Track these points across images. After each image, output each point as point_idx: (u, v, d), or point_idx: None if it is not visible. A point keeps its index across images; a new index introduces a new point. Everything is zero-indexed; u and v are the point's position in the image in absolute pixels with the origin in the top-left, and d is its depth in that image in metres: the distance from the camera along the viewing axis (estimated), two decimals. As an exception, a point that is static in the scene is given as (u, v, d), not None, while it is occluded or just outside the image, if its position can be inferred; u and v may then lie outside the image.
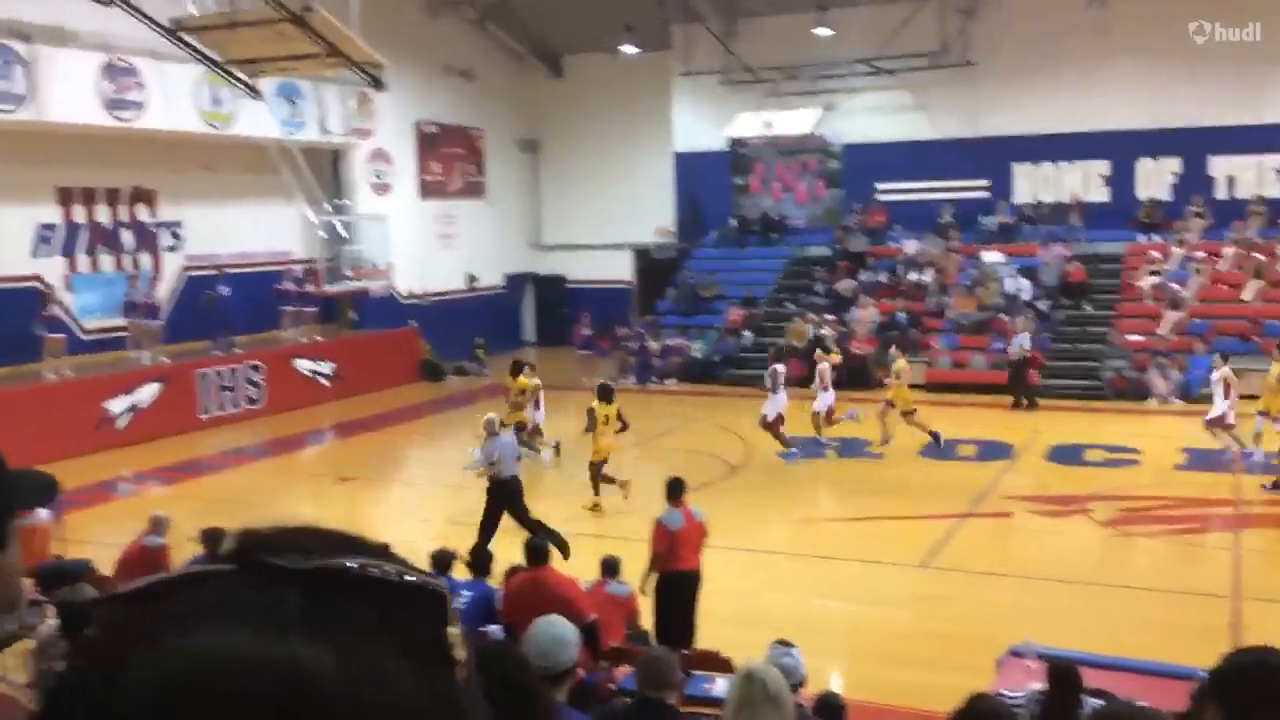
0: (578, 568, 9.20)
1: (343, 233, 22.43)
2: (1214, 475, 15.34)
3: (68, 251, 19.92)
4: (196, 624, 0.63)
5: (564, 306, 30.19)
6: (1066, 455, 16.82)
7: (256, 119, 20.49)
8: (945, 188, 25.90)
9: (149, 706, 0.61)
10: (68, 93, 18.19)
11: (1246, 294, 21.96)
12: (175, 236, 21.81)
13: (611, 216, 29.30)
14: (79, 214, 20.11)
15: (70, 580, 7.80)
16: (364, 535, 0.72)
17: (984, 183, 25.84)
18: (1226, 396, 15.61)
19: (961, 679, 7.15)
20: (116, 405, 18.65)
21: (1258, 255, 22.39)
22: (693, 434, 19.04)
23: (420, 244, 26.31)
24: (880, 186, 26.63)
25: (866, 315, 23.39)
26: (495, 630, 7.74)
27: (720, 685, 7.41)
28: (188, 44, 18.27)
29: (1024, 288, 23.40)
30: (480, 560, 8.67)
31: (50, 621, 7.20)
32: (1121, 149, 24.45)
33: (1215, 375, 16.09)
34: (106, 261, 20.61)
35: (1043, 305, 23.08)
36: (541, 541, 8.17)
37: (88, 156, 19.95)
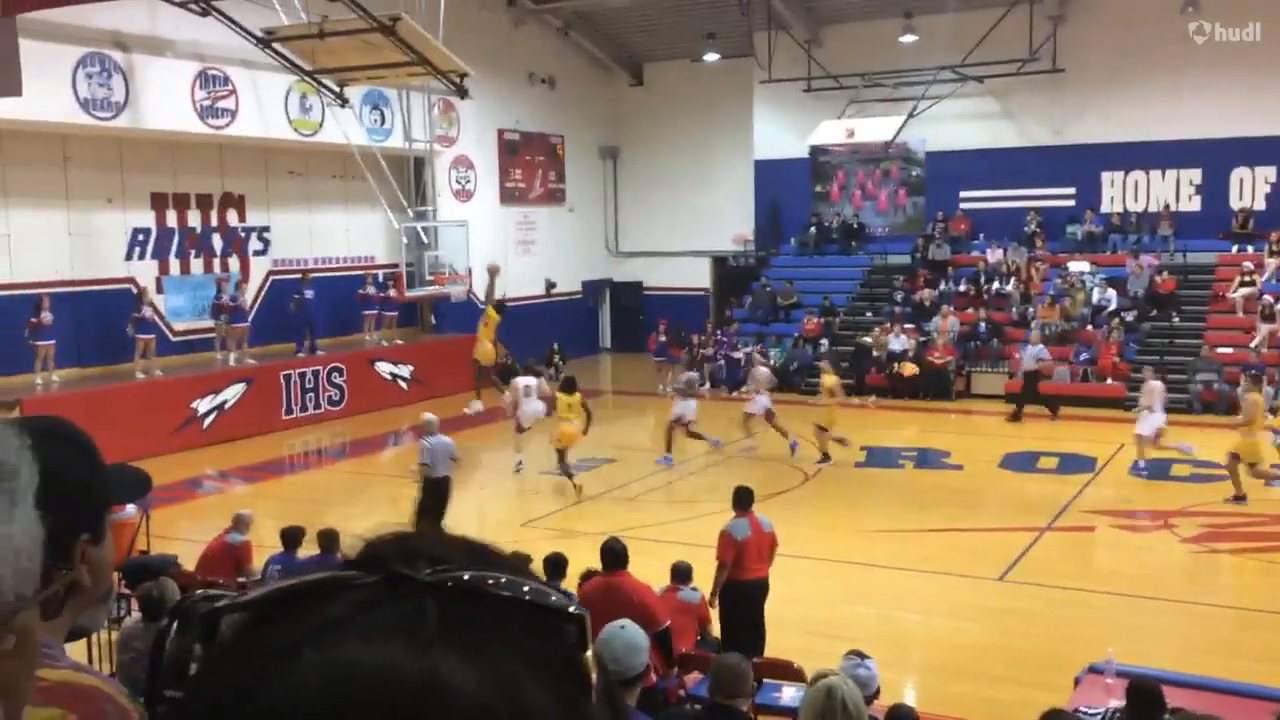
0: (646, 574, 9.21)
1: (424, 238, 22.75)
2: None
3: (159, 255, 20.49)
4: (334, 636, 0.62)
5: (640, 313, 30.26)
6: (1152, 469, 16.41)
7: (343, 126, 20.90)
8: (1030, 196, 25.49)
9: (298, 714, 0.60)
10: (163, 101, 18.73)
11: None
12: (263, 241, 22.32)
13: (689, 224, 29.33)
14: (171, 219, 20.68)
15: (155, 575, 8.02)
16: (493, 544, 0.71)
17: (1070, 191, 25.38)
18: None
19: (1038, 695, 7.04)
20: (203, 405, 19.13)
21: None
22: (766, 442, 18.95)
23: (500, 250, 26.57)
24: (964, 194, 26.29)
25: (946, 325, 23.09)
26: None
27: (789, 694, 7.38)
28: (279, 53, 18.75)
29: (1111, 298, 22.94)
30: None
31: (134, 614, 7.42)
32: (1215, 157, 23.83)
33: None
34: (196, 265, 21.16)
35: (1129, 316, 22.59)
36: (620, 545, 8.06)
37: (181, 163, 20.52)
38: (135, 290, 19.47)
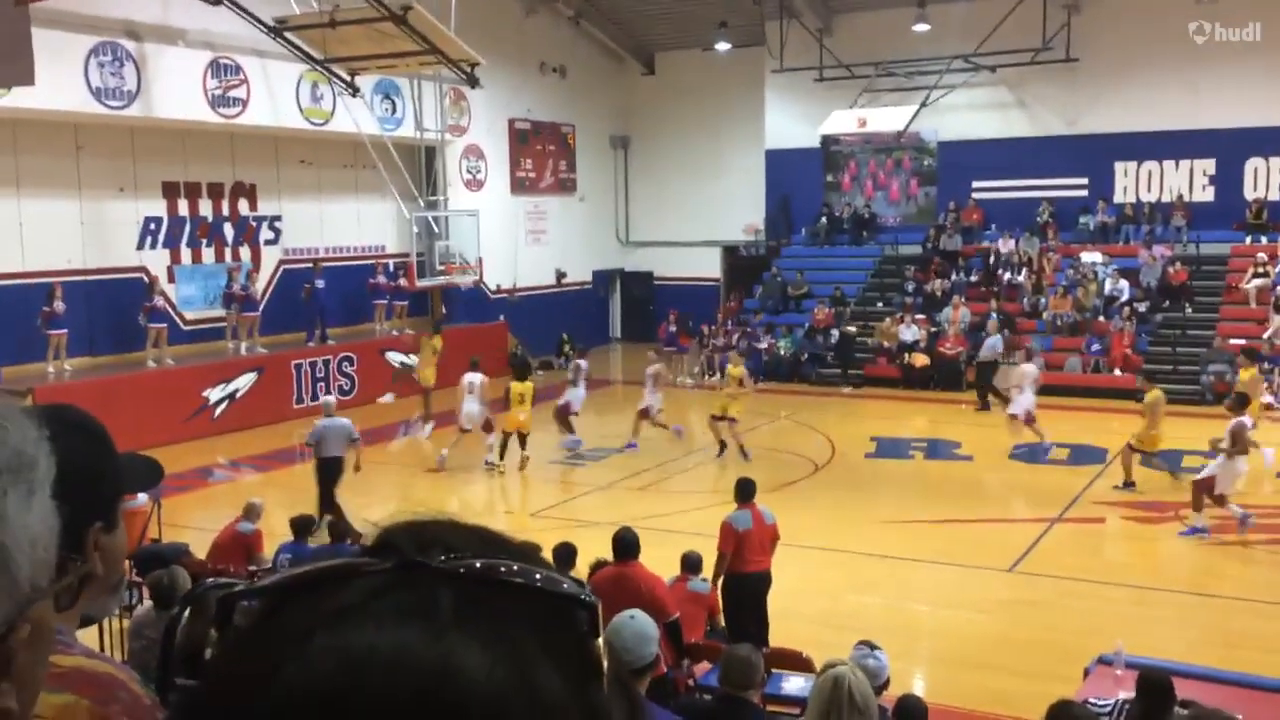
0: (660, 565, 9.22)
1: (435, 228, 22.77)
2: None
3: (171, 244, 20.54)
4: (349, 621, 0.62)
5: (651, 303, 30.25)
6: (1162, 460, 16.34)
7: (355, 116, 20.92)
8: (1043, 186, 25.40)
9: (304, 705, 0.60)
10: (175, 90, 18.76)
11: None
12: (274, 230, 22.36)
13: (700, 214, 29.30)
14: (183, 208, 20.72)
15: (166, 563, 8.06)
16: (506, 534, 0.71)
17: (1083, 181, 25.27)
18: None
19: (1048, 686, 7.03)
20: (214, 394, 19.19)
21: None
22: (777, 433, 18.95)
23: (510, 239, 26.59)
24: (976, 185, 26.20)
25: (958, 315, 23.03)
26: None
27: (796, 684, 7.40)
28: (290, 42, 18.76)
29: (1123, 289, 22.86)
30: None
31: (146, 602, 7.45)
32: (1228, 147, 23.70)
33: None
34: (207, 254, 21.21)
35: (1142, 307, 22.50)
36: (632, 535, 8.07)
37: (192, 152, 20.56)
38: (147, 279, 19.53)
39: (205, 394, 19.09)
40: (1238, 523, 12.62)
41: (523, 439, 16.39)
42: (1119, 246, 24.10)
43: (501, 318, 25.84)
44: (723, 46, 27.82)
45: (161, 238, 20.37)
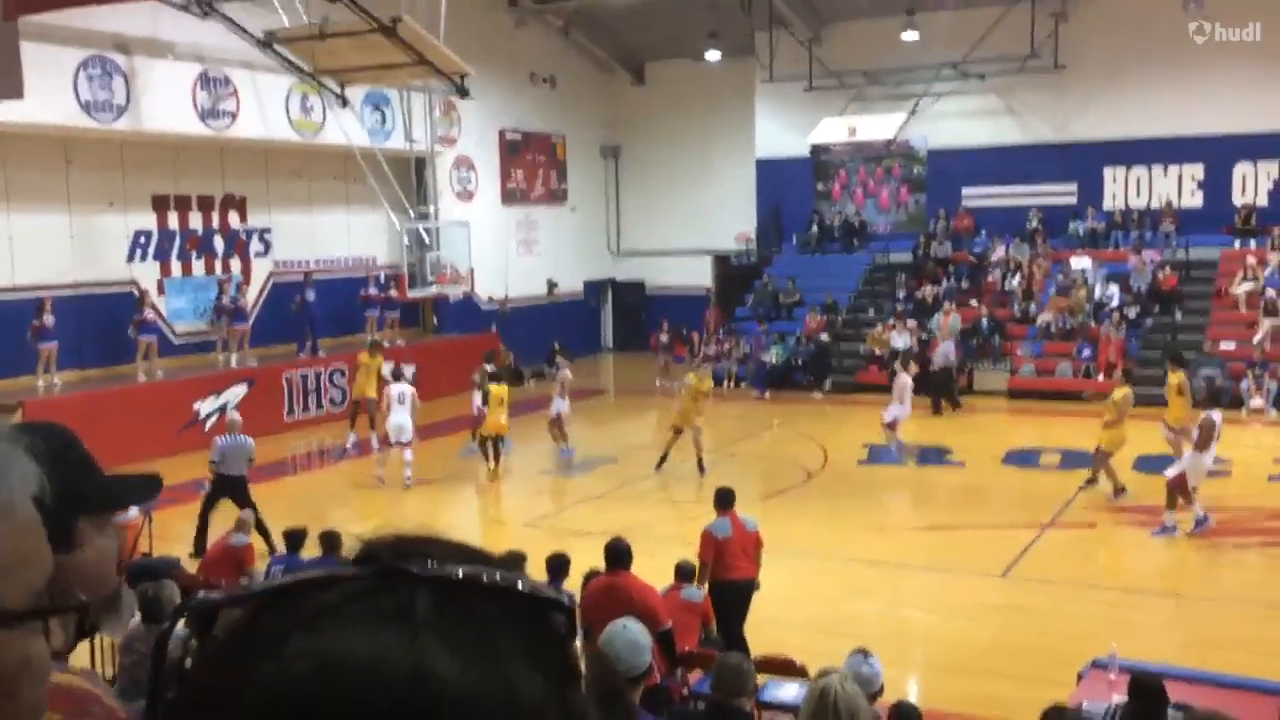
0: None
1: (426, 239, 22.75)
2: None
3: (161, 257, 20.50)
4: (325, 625, 0.63)
5: (642, 313, 30.27)
6: (1154, 465, 16.36)
7: (345, 127, 20.92)
8: (1033, 193, 25.48)
9: (279, 707, 0.61)
10: (164, 103, 18.74)
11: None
12: (264, 242, 22.33)
13: (691, 223, 29.34)
14: (173, 220, 20.69)
15: (157, 577, 8.02)
16: (487, 549, 0.72)
17: (1072, 188, 25.36)
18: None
19: (1042, 691, 7.03)
20: (205, 406, 19.13)
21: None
22: (769, 440, 18.95)
23: (501, 250, 26.59)
24: (966, 192, 26.28)
25: (948, 322, 23.06)
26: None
27: (786, 690, 7.39)
28: (280, 54, 18.76)
29: (1113, 294, 22.93)
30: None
31: (135, 616, 7.41)
32: (1217, 153, 23.81)
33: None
34: (198, 267, 21.18)
35: (1132, 313, 22.56)
36: (624, 545, 8.07)
37: (182, 164, 20.53)
38: (137, 293, 19.49)
39: (196, 406, 19.03)
40: (1195, 523, 12.67)
41: (497, 449, 16.40)
42: (1109, 252, 24.18)
43: (493, 328, 25.82)
44: (713, 56, 27.89)
45: (151, 251, 20.33)
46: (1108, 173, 25.13)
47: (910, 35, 24.95)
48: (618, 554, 7.86)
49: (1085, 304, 22.99)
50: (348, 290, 23.02)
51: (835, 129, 26.18)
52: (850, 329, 24.67)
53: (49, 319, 17.75)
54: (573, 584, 8.57)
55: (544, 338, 26.23)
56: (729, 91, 28.27)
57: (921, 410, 20.48)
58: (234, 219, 21.76)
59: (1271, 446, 17.43)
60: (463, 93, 20.33)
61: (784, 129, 27.44)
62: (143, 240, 20.18)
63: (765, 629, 9.08)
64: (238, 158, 21.32)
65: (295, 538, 10.24)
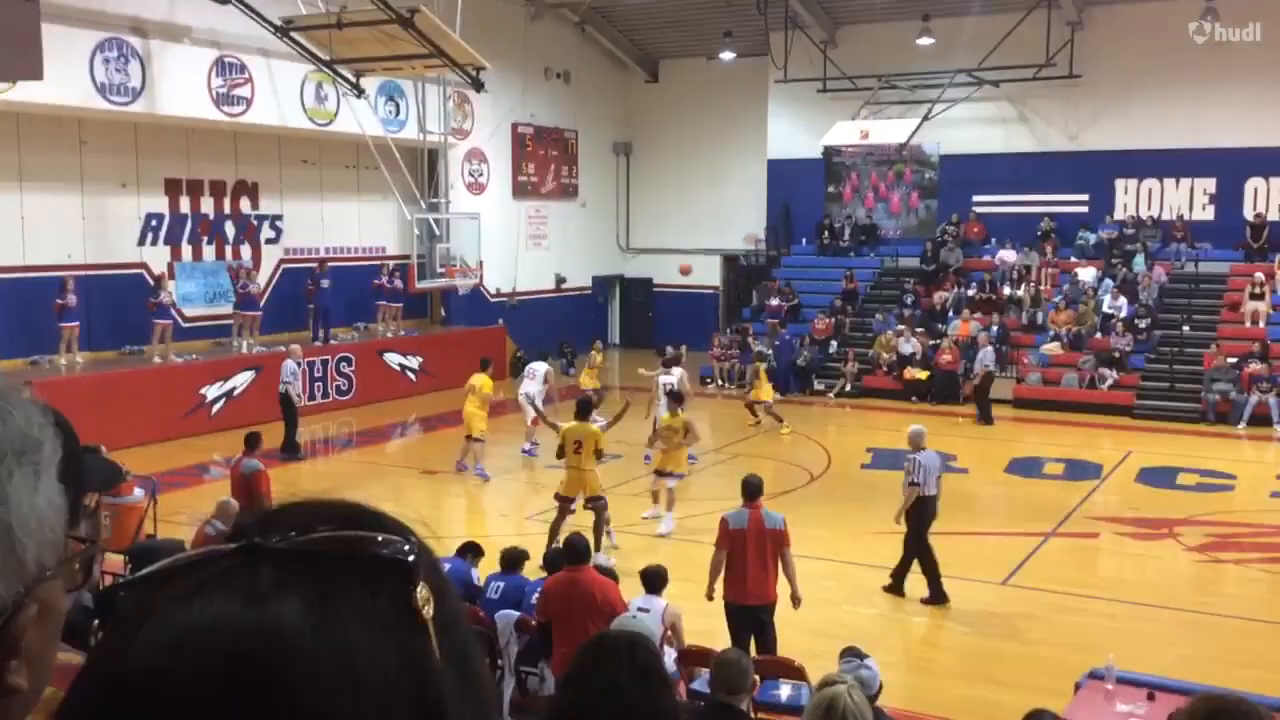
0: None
1: (436, 230, 22.79)
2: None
3: (172, 241, 20.56)
4: (185, 599, 0.70)
5: (650, 310, 30.28)
6: (1158, 478, 16.41)
7: (358, 117, 20.95)
8: (1044, 201, 25.45)
9: (137, 680, 0.68)
10: (180, 87, 18.79)
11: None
12: (275, 229, 22.38)
13: (701, 222, 29.35)
14: (184, 205, 20.75)
15: (160, 559, 8.07)
16: (365, 505, 0.79)
17: (1084, 197, 25.33)
18: None
19: (1039, 699, 7.04)
20: (212, 391, 19.19)
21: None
22: (773, 442, 18.96)
23: (511, 243, 26.61)
24: (977, 199, 26.26)
25: (968, 329, 23.05)
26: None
27: (786, 692, 7.41)
28: (296, 42, 18.79)
29: (1121, 306, 22.91)
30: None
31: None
32: (1230, 167, 23.76)
33: None
34: (208, 252, 21.23)
35: (1141, 324, 22.54)
36: (584, 541, 8.11)
37: (195, 149, 20.59)
38: (151, 276, 19.55)
39: (202, 391, 19.09)
40: None
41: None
42: (1118, 263, 24.12)
43: (500, 321, 25.86)
44: (727, 56, 27.88)
45: (163, 234, 20.39)
46: (1119, 183, 25.09)
47: (925, 41, 24.93)
48: (576, 550, 7.94)
49: (1094, 315, 22.97)
50: (356, 279, 23.07)
51: (848, 132, 26.15)
52: (858, 333, 24.66)
53: (71, 298, 17.83)
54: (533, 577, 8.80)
55: (551, 332, 26.24)
56: (742, 91, 28.26)
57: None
58: (245, 205, 21.82)
59: (1274, 462, 17.43)
60: (478, 86, 20.35)
61: (796, 130, 27.43)
62: (154, 223, 20.24)
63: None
64: (251, 144, 21.37)
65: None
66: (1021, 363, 22.62)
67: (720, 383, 24.10)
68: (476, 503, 16.10)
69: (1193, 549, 12.98)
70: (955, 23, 24.43)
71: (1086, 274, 23.92)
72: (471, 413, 16.30)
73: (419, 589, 0.73)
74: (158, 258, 20.20)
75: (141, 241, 20.02)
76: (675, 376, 16.71)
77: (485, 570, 9.22)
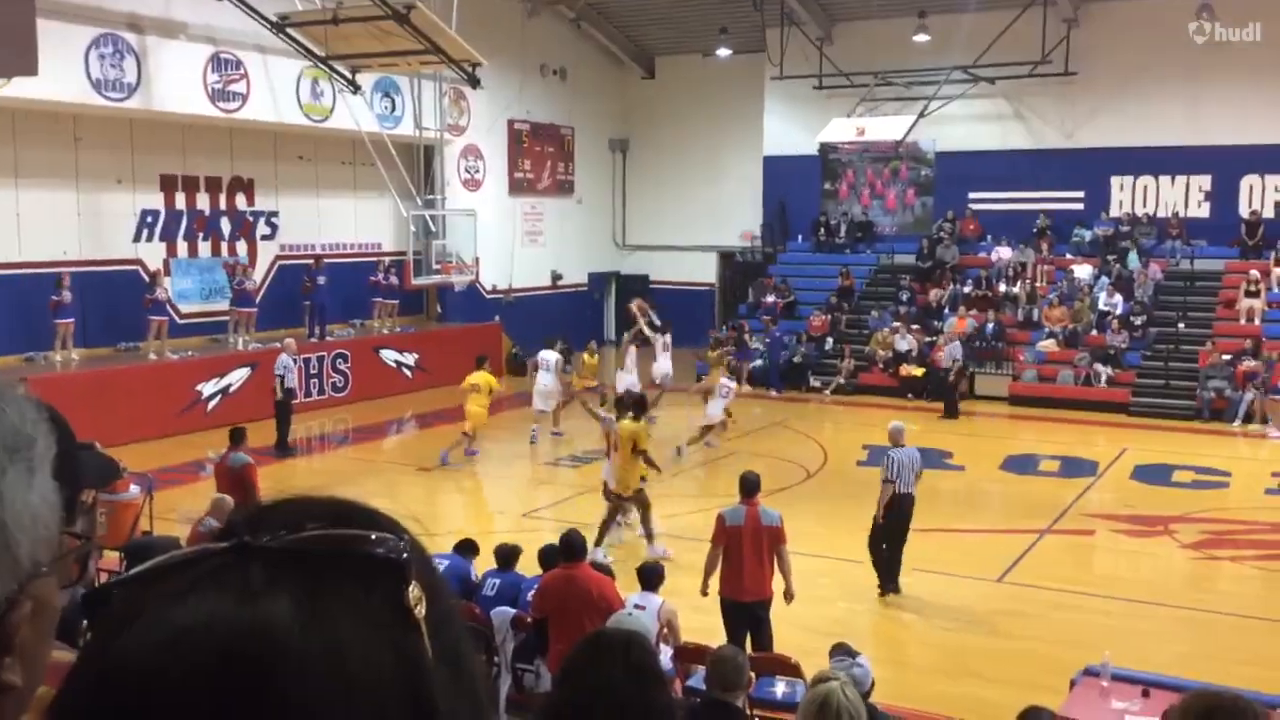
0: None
1: (432, 227, 22.77)
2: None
3: (167, 237, 20.52)
4: (177, 598, 0.70)
5: (647, 307, 30.26)
6: (1153, 475, 16.43)
7: (354, 113, 20.93)
8: (1040, 199, 25.47)
9: (128, 678, 0.68)
10: (175, 83, 18.76)
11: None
12: (270, 225, 22.35)
13: (697, 218, 29.35)
14: (180, 201, 20.72)
15: (155, 556, 8.07)
16: (356, 502, 0.78)
17: (1079, 195, 25.35)
18: None
19: (1034, 696, 7.05)
20: (208, 388, 19.17)
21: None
22: (770, 439, 18.97)
23: (507, 240, 26.61)
24: (973, 196, 26.27)
25: (964, 325, 23.09)
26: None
27: (781, 689, 7.42)
28: (292, 38, 18.76)
29: (1117, 303, 22.93)
30: None
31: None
32: (1226, 164, 23.78)
33: None
34: (204, 248, 21.20)
35: (1136, 321, 22.57)
36: (579, 538, 8.10)
37: (191, 145, 20.56)
38: (147, 273, 19.52)
39: (198, 388, 19.06)
40: None
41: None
42: (1113, 260, 24.14)
43: (496, 318, 25.85)
44: (723, 52, 27.87)
45: (158, 231, 20.35)
46: (1115, 181, 25.12)
47: (921, 37, 24.93)
48: (572, 547, 7.93)
49: (1089, 312, 22.99)
50: (352, 276, 23.05)
51: (844, 129, 26.16)
52: (853, 329, 24.68)
53: (67, 295, 17.80)
54: (529, 573, 8.79)
55: (547, 329, 26.19)
56: (738, 88, 28.25)
57: (934, 414, 20.56)
58: (241, 201, 21.79)
59: (1269, 460, 17.46)
60: (474, 82, 20.33)
61: (792, 127, 27.43)
62: (149, 220, 20.21)
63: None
64: (246, 140, 21.34)
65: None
66: (1017, 360, 22.64)
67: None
68: (474, 499, 16.11)
69: (1188, 546, 13.01)
70: (951, 19, 24.42)
71: (1082, 271, 23.94)
72: (475, 410, 16.39)
73: (411, 588, 0.72)
74: (153, 254, 20.17)
75: (137, 238, 19.99)
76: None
77: (480, 567, 9.23)
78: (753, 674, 6.34)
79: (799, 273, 26.94)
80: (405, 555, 0.73)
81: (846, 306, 25.42)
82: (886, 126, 25.72)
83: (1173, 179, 24.57)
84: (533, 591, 8.22)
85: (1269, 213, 23.64)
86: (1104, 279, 23.63)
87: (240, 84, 19.89)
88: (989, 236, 25.79)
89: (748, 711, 6.39)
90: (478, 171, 26.07)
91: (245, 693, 0.66)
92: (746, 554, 9.00)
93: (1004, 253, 24.99)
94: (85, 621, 0.75)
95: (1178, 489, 15.76)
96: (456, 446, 16.68)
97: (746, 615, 8.93)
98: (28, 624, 0.86)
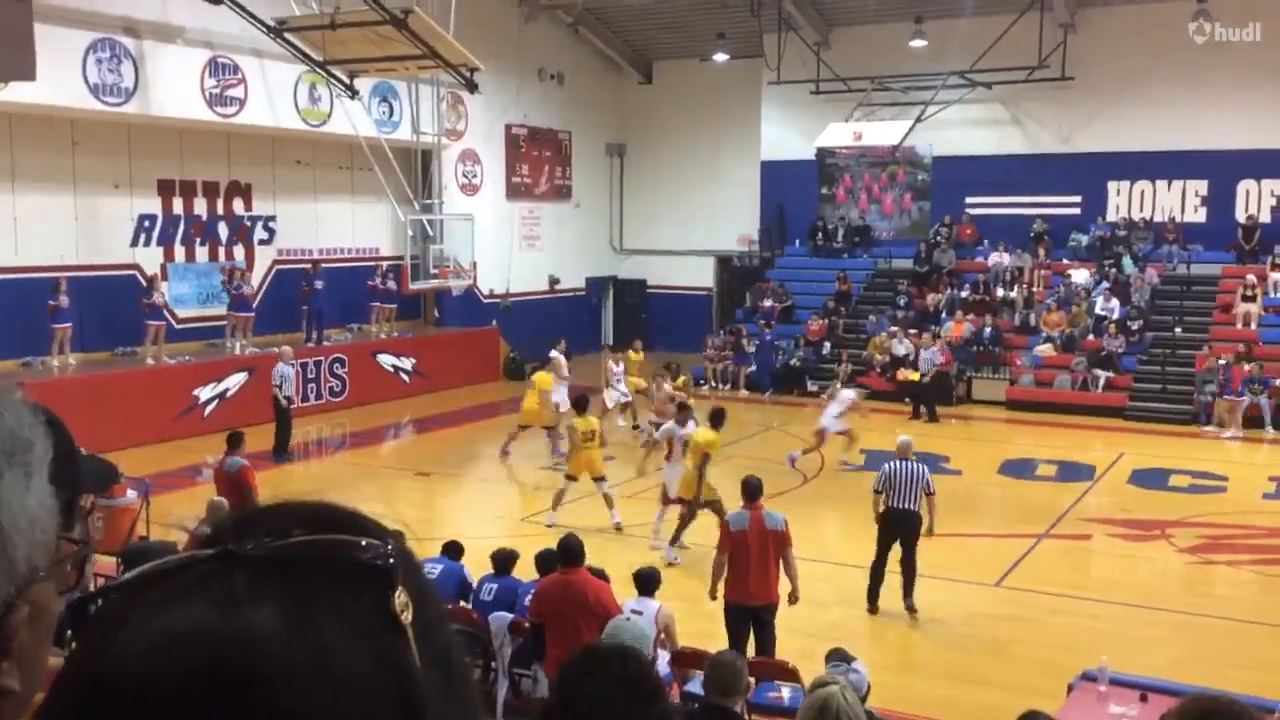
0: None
1: (429, 231, 22.77)
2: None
3: (165, 242, 20.51)
4: (163, 607, 0.70)
5: (644, 311, 30.29)
6: (1150, 479, 16.45)
7: (352, 118, 20.93)
8: (1036, 203, 25.50)
9: (115, 686, 0.68)
10: (173, 88, 18.76)
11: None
12: (268, 230, 22.34)
13: (695, 223, 29.36)
14: (177, 206, 20.71)
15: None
16: (343, 507, 0.78)
17: (1076, 199, 25.38)
18: None
19: (1032, 701, 7.05)
20: (205, 393, 19.15)
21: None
22: (769, 444, 18.97)
23: (505, 244, 26.61)
24: (970, 200, 26.30)
25: (961, 330, 23.11)
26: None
27: (780, 694, 7.41)
28: (290, 43, 18.77)
29: (1114, 308, 22.96)
30: None
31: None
32: (1222, 169, 23.82)
33: None
34: (201, 253, 21.19)
35: (1133, 326, 22.59)
36: (577, 542, 8.05)
37: (188, 150, 20.55)
38: (144, 278, 19.50)
39: (195, 393, 19.04)
40: None
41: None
42: (1110, 265, 24.17)
43: (494, 323, 25.85)
44: (720, 57, 27.89)
45: (156, 235, 20.34)
46: (1111, 185, 25.15)
47: (918, 42, 24.96)
48: (570, 551, 7.90)
49: (1086, 317, 23.02)
50: (350, 280, 23.04)
51: (841, 133, 26.18)
52: (851, 334, 24.68)
53: (64, 299, 17.78)
54: (527, 577, 8.79)
55: (544, 333, 26.20)
56: (736, 93, 28.28)
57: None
58: (239, 206, 21.78)
59: (1265, 464, 17.48)
60: (471, 87, 20.34)
61: (790, 132, 27.46)
62: (147, 224, 20.19)
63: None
64: (244, 144, 21.33)
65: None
66: (1014, 364, 22.65)
67: (714, 384, 24.11)
68: (470, 505, 16.09)
69: (1185, 550, 13.01)
70: (948, 24, 24.45)
71: (1079, 276, 23.96)
72: (530, 409, 16.98)
73: (398, 593, 0.72)
74: (150, 259, 20.16)
75: (134, 243, 19.98)
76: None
77: (476, 572, 9.21)
78: (752, 679, 6.34)
79: (796, 277, 26.96)
80: (391, 561, 0.73)
81: (844, 311, 25.44)
82: (883, 131, 25.75)
83: (1169, 184, 24.60)
84: (530, 596, 8.21)
85: (1265, 217, 23.67)
86: (1102, 284, 23.64)
87: (238, 89, 19.89)
88: (986, 241, 25.81)
89: (746, 716, 6.39)
90: (475, 176, 26.07)
91: (232, 699, 0.66)
92: (753, 558, 8.99)
93: (1001, 258, 25.02)
94: (70, 628, 0.75)
95: (1174, 493, 15.78)
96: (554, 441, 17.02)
97: (752, 618, 8.94)
98: (26, 628, 0.86)
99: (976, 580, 11.84)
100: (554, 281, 28.75)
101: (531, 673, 8.17)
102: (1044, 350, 22.65)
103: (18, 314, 17.75)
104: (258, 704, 0.66)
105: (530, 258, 27.77)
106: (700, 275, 29.97)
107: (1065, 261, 24.75)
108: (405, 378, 22.96)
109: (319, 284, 21.59)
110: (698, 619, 9.10)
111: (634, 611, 7.72)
